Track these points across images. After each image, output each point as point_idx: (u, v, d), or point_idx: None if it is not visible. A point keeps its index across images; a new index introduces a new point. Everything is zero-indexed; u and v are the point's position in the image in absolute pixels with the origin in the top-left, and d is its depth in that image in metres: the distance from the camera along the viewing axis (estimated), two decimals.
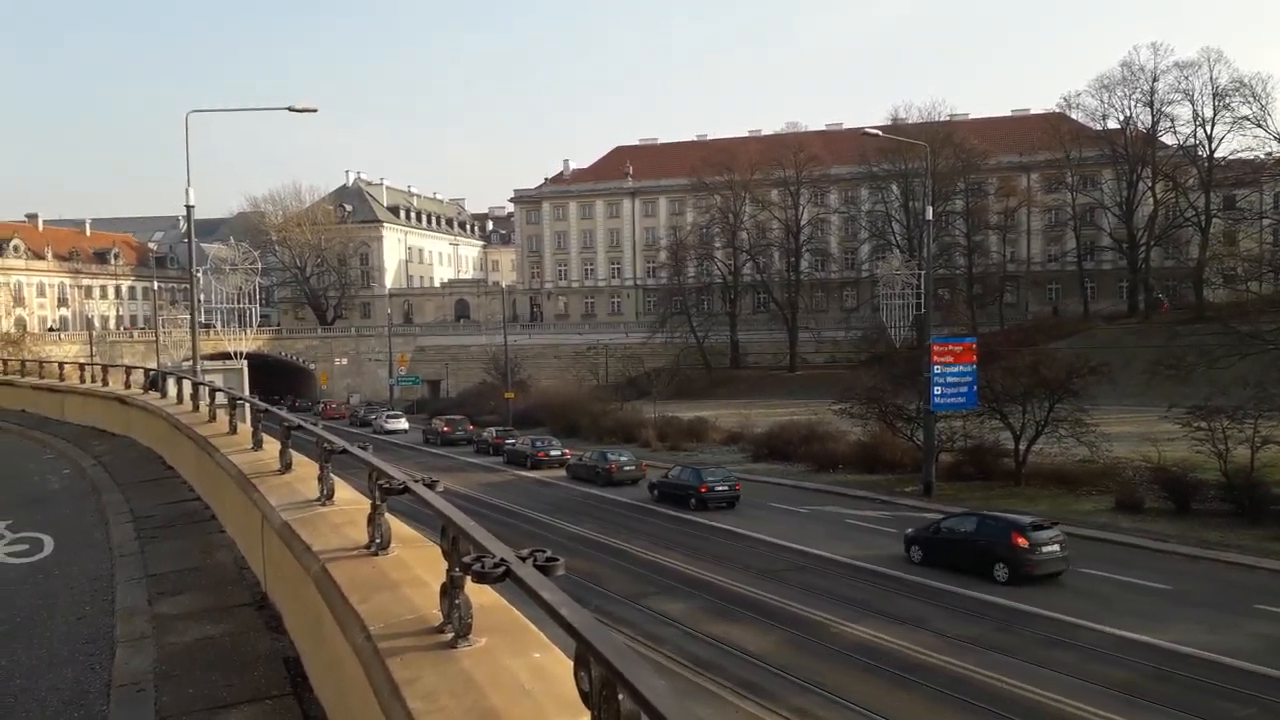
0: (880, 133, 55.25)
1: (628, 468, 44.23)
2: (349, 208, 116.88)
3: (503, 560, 2.83)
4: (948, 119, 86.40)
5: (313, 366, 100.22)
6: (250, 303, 49.43)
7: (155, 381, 18.84)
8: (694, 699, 16.88)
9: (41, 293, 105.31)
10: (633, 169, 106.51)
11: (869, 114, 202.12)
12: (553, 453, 50.95)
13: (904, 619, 22.15)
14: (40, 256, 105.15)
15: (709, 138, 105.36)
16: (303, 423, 7.29)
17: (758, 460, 48.49)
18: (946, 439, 39.34)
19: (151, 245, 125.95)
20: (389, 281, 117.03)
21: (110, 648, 6.36)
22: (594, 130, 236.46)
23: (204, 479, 10.96)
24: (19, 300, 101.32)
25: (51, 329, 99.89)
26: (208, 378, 17.40)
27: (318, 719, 4.84)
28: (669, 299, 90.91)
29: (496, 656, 3.31)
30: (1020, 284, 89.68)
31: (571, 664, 2.36)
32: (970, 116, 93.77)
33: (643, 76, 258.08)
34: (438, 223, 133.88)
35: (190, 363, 29.60)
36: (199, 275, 34.93)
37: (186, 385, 14.69)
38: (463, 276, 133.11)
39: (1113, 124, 79.48)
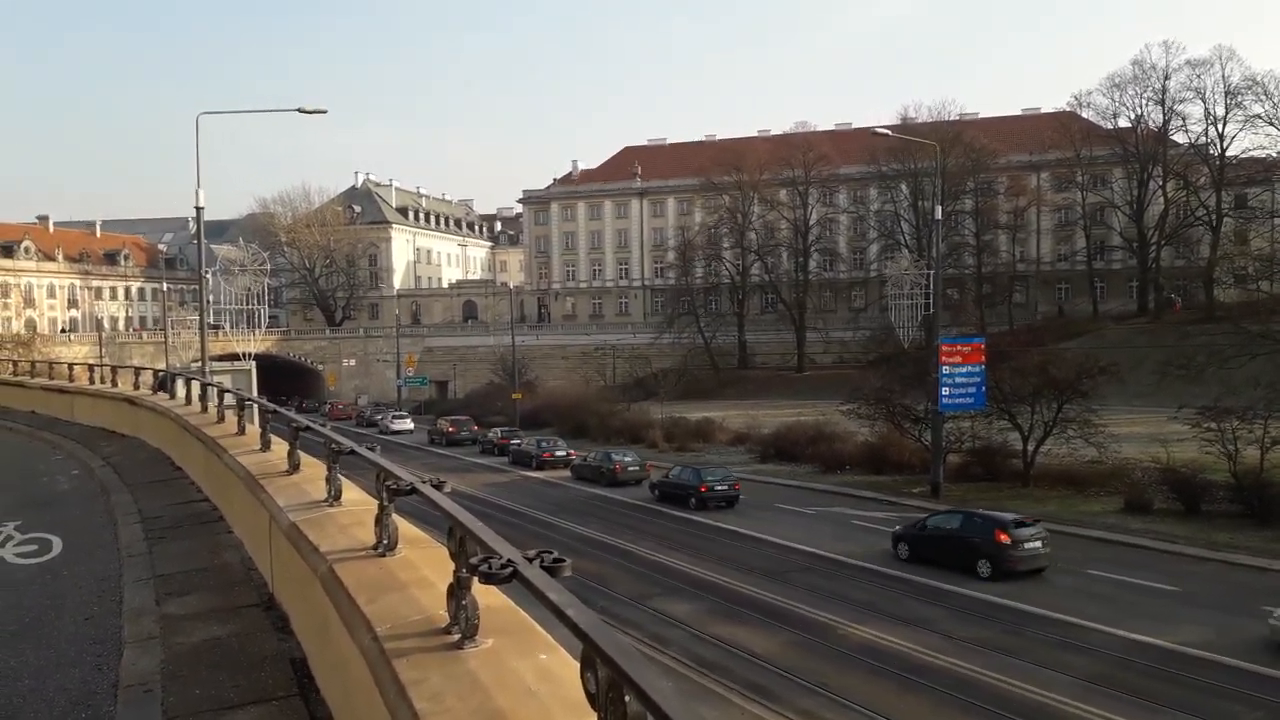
0: (889, 132, 55.07)
1: (632, 468, 44.37)
2: (358, 209, 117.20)
3: (510, 561, 2.83)
4: (957, 118, 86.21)
5: (321, 367, 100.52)
6: (259, 304, 49.57)
7: (164, 383, 18.89)
8: (700, 701, 16.87)
9: (52, 294, 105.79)
10: (641, 169, 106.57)
11: (878, 114, 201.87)
12: (558, 453, 51.10)
13: (895, 615, 22.30)
14: (51, 258, 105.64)
15: (717, 138, 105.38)
16: (311, 424, 7.29)
17: (765, 461, 48.45)
18: (955, 440, 39.23)
19: (161, 246, 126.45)
20: (397, 282, 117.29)
21: (118, 648, 6.37)
22: (603, 131, 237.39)
23: (212, 480, 10.98)
24: (29, 301, 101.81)
25: (64, 330, 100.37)
26: (216, 379, 17.43)
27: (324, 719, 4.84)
28: (677, 299, 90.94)
29: (503, 658, 3.30)
30: (1029, 284, 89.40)
31: (578, 665, 2.36)
32: (980, 115, 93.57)
33: (650, 77, 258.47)
34: (446, 224, 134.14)
35: (199, 364, 29.68)
36: (208, 276, 35.04)
37: (195, 386, 14.73)
38: (471, 277, 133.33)
39: (1124, 123, 79.32)
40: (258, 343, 51.89)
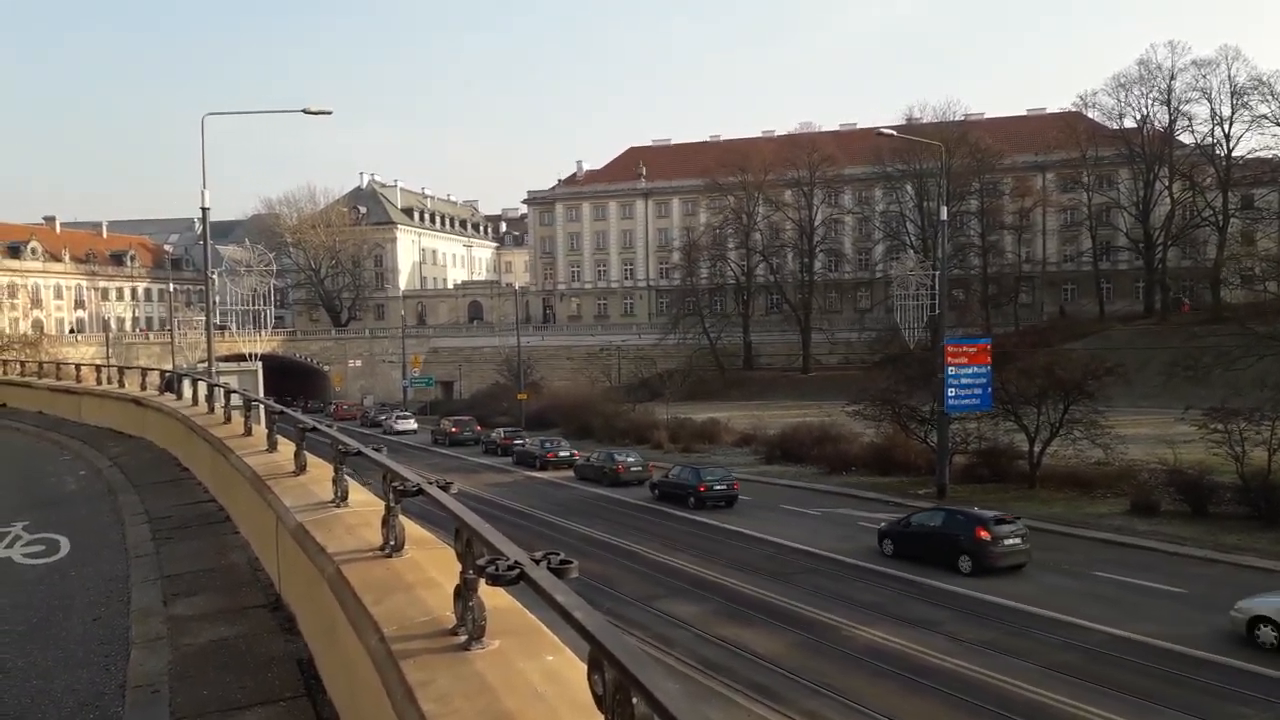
0: (895, 133, 55.08)
1: (635, 468, 44.63)
2: (363, 210, 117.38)
3: (517, 563, 2.83)
4: (962, 118, 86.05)
5: (327, 368, 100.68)
6: (265, 304, 49.59)
7: (171, 383, 18.96)
8: (705, 702, 16.86)
9: (58, 295, 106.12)
10: (646, 170, 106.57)
11: (883, 114, 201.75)
12: (561, 454, 51.38)
13: (895, 615, 22.52)
14: (57, 258, 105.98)
15: (722, 138, 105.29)
16: (318, 425, 7.31)
17: (770, 462, 48.42)
18: (960, 441, 39.16)
19: (167, 247, 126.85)
20: (403, 283, 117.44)
21: (125, 649, 6.39)
22: (607, 131, 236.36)
23: (219, 480, 11.01)
24: (36, 302, 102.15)
25: (73, 331, 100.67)
26: (223, 379, 17.49)
27: None
28: (682, 300, 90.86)
29: (510, 659, 3.31)
30: (1035, 284, 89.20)
31: (585, 667, 2.36)
32: (985, 116, 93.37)
33: (655, 77, 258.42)
34: (451, 224, 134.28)
35: (205, 364, 29.75)
36: (214, 277, 35.12)
37: (202, 387, 14.77)
38: (476, 278, 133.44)
39: (1129, 123, 79.01)
40: (264, 343, 51.97)
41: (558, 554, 2.88)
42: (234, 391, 12.50)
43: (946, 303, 40.77)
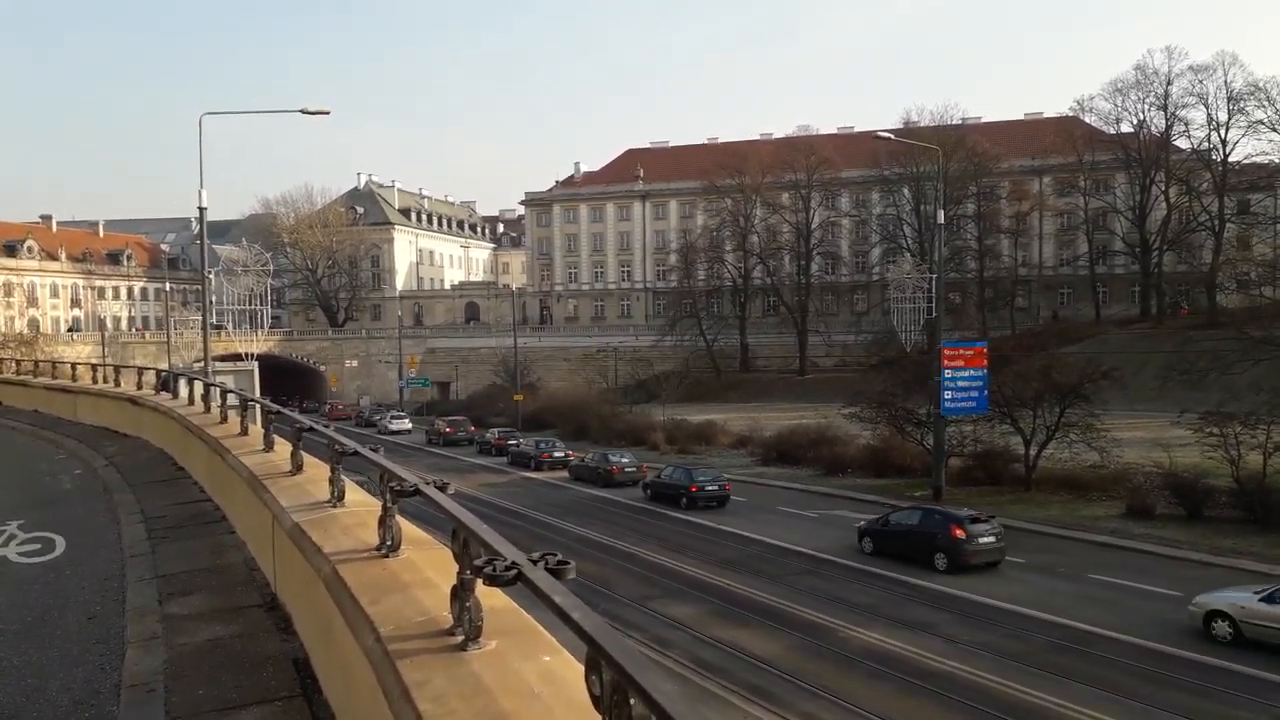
0: (892, 136, 55.14)
1: (629, 469, 44.88)
2: (360, 210, 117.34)
3: (514, 563, 2.83)
4: (960, 122, 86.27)
5: (323, 368, 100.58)
6: (261, 304, 49.40)
7: (167, 382, 18.90)
8: (703, 704, 16.86)
9: (55, 293, 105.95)
10: (643, 172, 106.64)
11: (881, 117, 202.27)
12: (556, 454, 51.56)
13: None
14: (54, 257, 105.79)
15: (720, 140, 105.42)
16: (314, 424, 7.31)
17: (767, 464, 48.45)
18: (956, 443, 39.22)
19: (164, 246, 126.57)
20: (400, 284, 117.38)
21: (121, 648, 6.39)
22: (605, 133, 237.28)
23: (215, 480, 11.00)
24: (32, 301, 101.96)
25: (71, 330, 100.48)
26: (219, 379, 17.45)
27: None
28: (679, 302, 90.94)
29: (507, 659, 3.31)
30: (1032, 288, 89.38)
31: (581, 667, 2.36)
32: (983, 120, 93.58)
33: (652, 79, 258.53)
34: (448, 225, 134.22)
35: (201, 364, 29.70)
36: (211, 276, 35.06)
37: (198, 386, 14.76)
38: (473, 279, 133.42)
39: (1126, 128, 79.29)
40: (260, 343, 51.78)
41: (555, 554, 2.88)
42: (230, 391, 12.46)
43: (943, 306, 40.76)
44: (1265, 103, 70.04)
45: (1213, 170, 75.08)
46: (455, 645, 3.46)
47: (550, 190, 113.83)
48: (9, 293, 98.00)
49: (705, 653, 20.39)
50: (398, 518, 4.92)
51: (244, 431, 10.64)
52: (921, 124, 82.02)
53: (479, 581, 3.12)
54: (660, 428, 57.45)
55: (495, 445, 58.34)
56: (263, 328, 55.59)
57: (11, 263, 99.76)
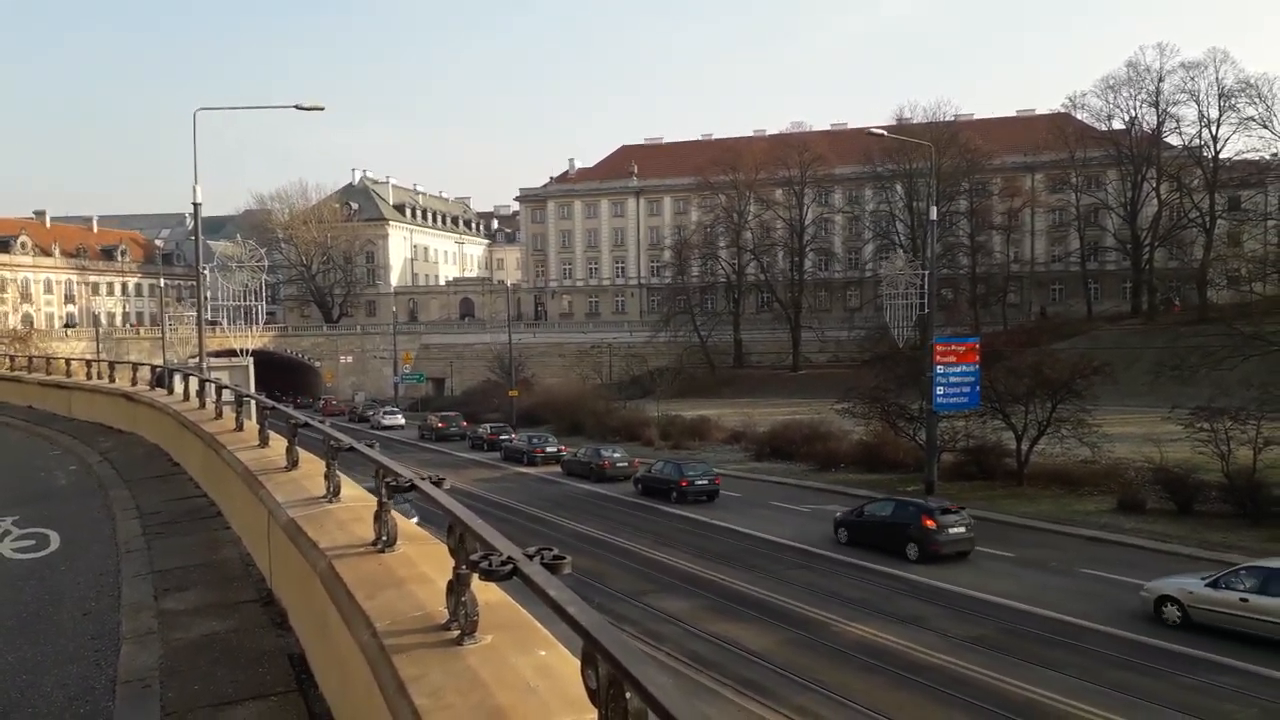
0: (885, 133, 55.14)
1: (620, 464, 45.12)
2: (355, 206, 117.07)
3: (510, 558, 2.85)
4: (952, 119, 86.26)
5: (318, 364, 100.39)
6: (256, 300, 49.37)
7: (162, 378, 18.87)
8: (697, 697, 16.91)
9: (49, 289, 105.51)
10: (638, 168, 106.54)
11: (874, 114, 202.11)
12: (549, 449, 51.75)
13: (889, 613, 22.77)
14: (47, 253, 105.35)
15: (714, 137, 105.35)
16: (310, 420, 7.32)
17: (760, 459, 48.55)
18: (949, 439, 39.32)
19: (158, 242, 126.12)
20: (394, 279, 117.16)
21: (116, 644, 6.38)
22: (600, 130, 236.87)
23: (210, 476, 10.99)
24: (26, 297, 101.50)
25: (68, 326, 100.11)
26: (214, 375, 17.44)
27: (323, 715, 4.86)
28: (673, 298, 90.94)
29: (502, 654, 3.33)
30: (1024, 284, 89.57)
31: (577, 662, 2.38)
32: (975, 116, 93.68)
33: (647, 77, 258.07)
34: (443, 221, 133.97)
35: (196, 360, 29.65)
36: (205, 272, 34.98)
37: (193, 382, 14.73)
38: (468, 275, 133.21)
39: (1118, 124, 79.47)
40: (255, 339, 51.70)
41: (551, 549, 2.91)
42: (225, 387, 12.45)
43: (935, 302, 40.89)
44: (1256, 99, 70.33)
45: (1204, 167, 75.26)
46: (451, 640, 3.48)
47: (545, 186, 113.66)
48: (3, 289, 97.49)
49: (698, 646, 20.47)
50: (393, 513, 4.94)
51: (239, 427, 10.63)
52: (914, 121, 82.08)
53: (475, 576, 3.14)
54: (654, 423, 57.52)
55: (487, 440, 58.61)
56: (258, 324, 55.56)
57: (5, 258, 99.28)
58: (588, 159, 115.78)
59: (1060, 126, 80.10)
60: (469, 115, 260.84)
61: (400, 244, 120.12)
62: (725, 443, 54.01)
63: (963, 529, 27.76)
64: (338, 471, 6.43)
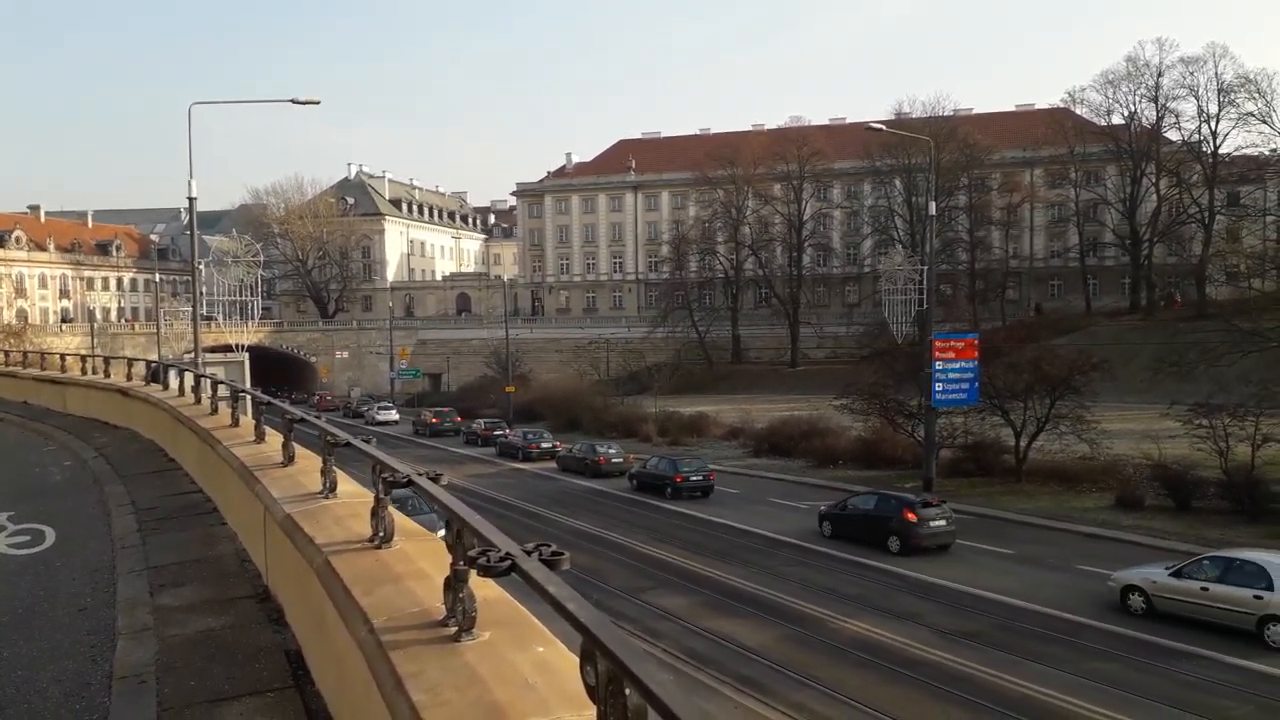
0: (884, 127, 55.09)
1: (615, 460, 45.20)
2: (351, 201, 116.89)
3: (508, 555, 2.83)
4: (952, 114, 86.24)
5: (314, 359, 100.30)
6: (252, 295, 49.37)
7: (157, 374, 18.83)
8: (695, 694, 16.90)
9: (43, 284, 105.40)
10: (635, 163, 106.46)
11: (873, 109, 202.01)
12: (544, 445, 51.77)
13: (887, 609, 22.87)
14: (42, 248, 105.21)
15: (712, 131, 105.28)
16: (305, 415, 7.29)
17: (758, 455, 48.54)
18: (947, 435, 39.33)
19: (153, 237, 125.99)
20: (390, 275, 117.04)
21: (112, 639, 6.36)
22: (597, 124, 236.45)
23: (206, 471, 10.96)
24: (20, 292, 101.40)
25: (65, 321, 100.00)
26: (209, 370, 17.39)
27: (319, 712, 4.84)
28: (671, 293, 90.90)
29: (500, 650, 3.30)
30: (1023, 280, 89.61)
31: (575, 658, 2.36)
32: (974, 111, 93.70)
33: (646, 72, 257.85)
34: (439, 216, 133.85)
35: (192, 355, 29.60)
36: (201, 267, 34.93)
37: (188, 377, 14.68)
38: (464, 270, 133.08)
39: (1117, 119, 79.37)
40: (250, 334, 51.72)
41: (549, 545, 2.88)
42: (221, 382, 12.40)
43: (934, 297, 40.88)
44: (1256, 95, 70.27)
45: (1203, 162, 75.26)
46: (449, 636, 3.45)
47: (542, 181, 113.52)
48: None
49: (696, 643, 20.48)
50: (390, 509, 4.91)
51: (235, 423, 10.60)
52: (913, 115, 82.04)
53: (473, 573, 3.11)
54: (652, 419, 57.50)
55: (481, 435, 58.70)
56: (253, 319, 55.55)
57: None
58: (585, 154, 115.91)
59: (1060, 121, 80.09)
60: (466, 111, 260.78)
61: (396, 239, 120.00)
62: (723, 439, 53.99)
63: (943, 522, 28.21)
64: (334, 467, 6.40)
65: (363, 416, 74.27)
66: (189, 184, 26.08)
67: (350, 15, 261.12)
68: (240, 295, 49.12)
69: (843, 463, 44.05)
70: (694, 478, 38.78)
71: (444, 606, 3.59)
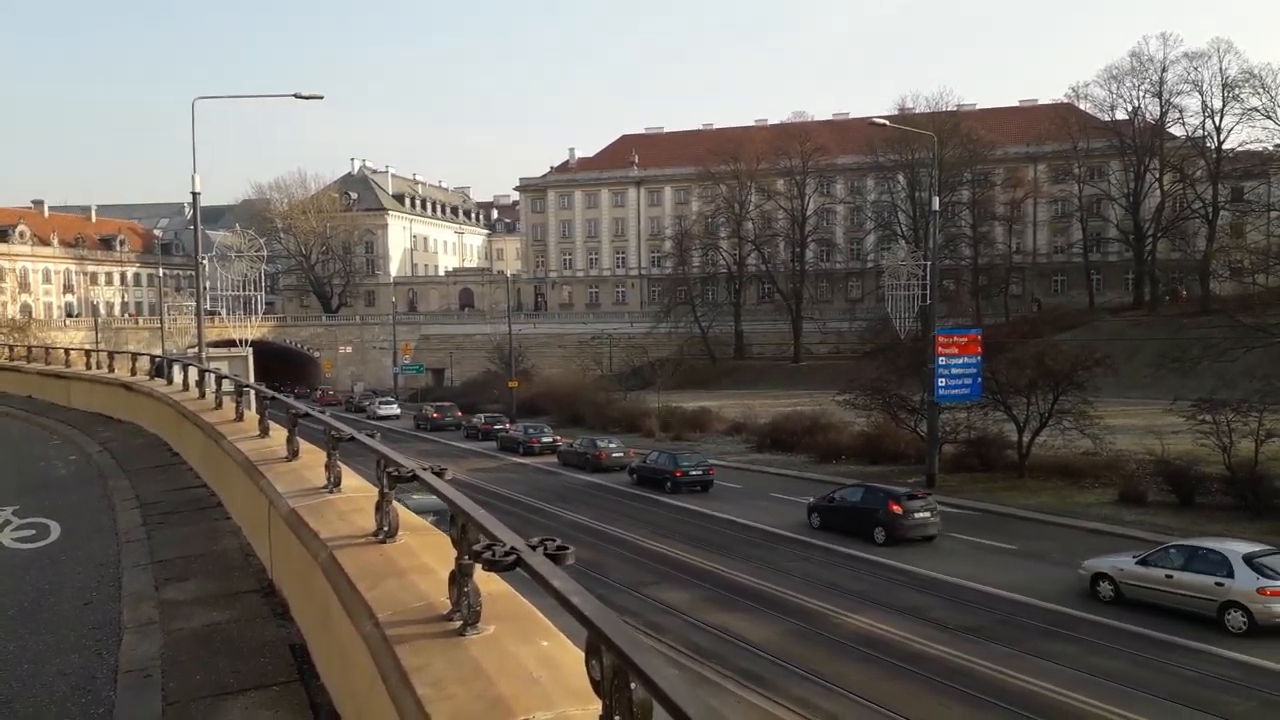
0: (887, 122, 54.93)
1: (616, 454, 45.34)
2: (354, 195, 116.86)
3: (513, 549, 2.84)
4: (955, 109, 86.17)
5: (317, 354, 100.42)
6: (255, 290, 49.34)
7: (161, 368, 18.87)
8: (700, 688, 16.90)
9: (47, 279, 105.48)
10: (638, 158, 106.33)
11: (876, 104, 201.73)
12: (545, 439, 51.93)
13: (888, 605, 22.93)
14: (46, 243, 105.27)
15: (715, 127, 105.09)
16: (310, 410, 7.30)
17: (761, 450, 48.55)
18: (950, 430, 39.29)
19: (157, 232, 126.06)
20: (394, 270, 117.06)
21: (117, 633, 6.38)
22: (600, 119, 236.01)
23: (210, 466, 10.97)
24: (24, 286, 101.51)
25: (71, 316, 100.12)
26: (213, 365, 17.40)
27: (324, 706, 4.85)
28: (674, 289, 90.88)
29: (505, 644, 3.31)
30: (1026, 275, 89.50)
31: (580, 652, 2.37)
32: (978, 107, 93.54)
33: (650, 67, 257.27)
34: (443, 211, 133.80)
35: (196, 350, 29.64)
36: (204, 262, 34.95)
37: (192, 372, 14.69)
38: (467, 265, 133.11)
39: (1121, 115, 79.24)
40: (254, 329, 51.73)
41: (554, 540, 2.89)
42: (225, 377, 12.41)
43: (937, 293, 40.82)
44: (1260, 90, 70.18)
45: (1207, 157, 75.09)
46: (454, 630, 3.46)
47: (545, 176, 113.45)
48: (1, 278, 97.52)
49: (699, 638, 20.51)
50: (395, 503, 4.92)
51: (239, 417, 10.61)
52: (917, 111, 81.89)
53: (478, 567, 3.12)
54: (655, 414, 57.50)
55: (481, 430, 58.97)
56: (257, 314, 55.51)
57: (3, 248, 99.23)
58: (588, 148, 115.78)
59: (1063, 117, 79.96)
60: (469, 106, 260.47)
61: (399, 234, 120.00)
62: (726, 434, 54.00)
63: (928, 514, 28.83)
64: (338, 461, 6.41)
65: (365, 411, 74.44)
66: (193, 179, 26.13)
67: (355, 11, 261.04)
68: (244, 290, 49.07)
69: (845, 458, 44.01)
70: (693, 472, 38.97)
71: (449, 601, 3.60)
